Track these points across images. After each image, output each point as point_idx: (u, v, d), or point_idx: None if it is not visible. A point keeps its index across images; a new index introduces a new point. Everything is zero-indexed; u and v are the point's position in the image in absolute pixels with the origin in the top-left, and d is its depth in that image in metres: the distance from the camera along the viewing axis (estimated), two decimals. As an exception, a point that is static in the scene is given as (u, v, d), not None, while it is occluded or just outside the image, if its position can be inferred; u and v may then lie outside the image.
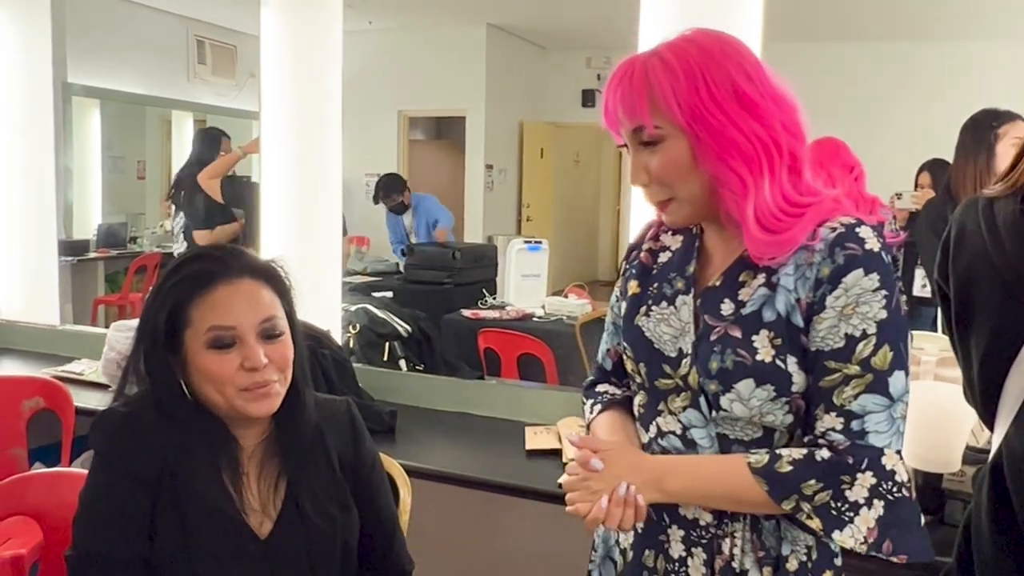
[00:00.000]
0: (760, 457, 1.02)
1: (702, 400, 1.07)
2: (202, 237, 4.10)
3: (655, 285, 1.16)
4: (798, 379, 1.02)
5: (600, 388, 1.27)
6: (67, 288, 3.60)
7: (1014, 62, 5.55)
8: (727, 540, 1.08)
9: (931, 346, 1.91)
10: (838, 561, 1.11)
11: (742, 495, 1.02)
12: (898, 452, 1.00)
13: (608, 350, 1.27)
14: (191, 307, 1.19)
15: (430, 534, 1.72)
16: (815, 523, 0.99)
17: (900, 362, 0.99)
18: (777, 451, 1.02)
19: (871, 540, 0.98)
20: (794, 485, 0.99)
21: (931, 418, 1.57)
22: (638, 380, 1.16)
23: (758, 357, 1.02)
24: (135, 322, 1.28)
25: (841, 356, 1.00)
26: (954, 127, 2.51)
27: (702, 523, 1.09)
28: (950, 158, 2.58)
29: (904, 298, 1.03)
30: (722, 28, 1.08)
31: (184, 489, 1.19)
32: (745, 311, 1.05)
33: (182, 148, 5.98)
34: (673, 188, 1.07)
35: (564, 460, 2.00)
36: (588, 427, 1.26)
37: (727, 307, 1.07)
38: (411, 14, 6.85)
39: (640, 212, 2.10)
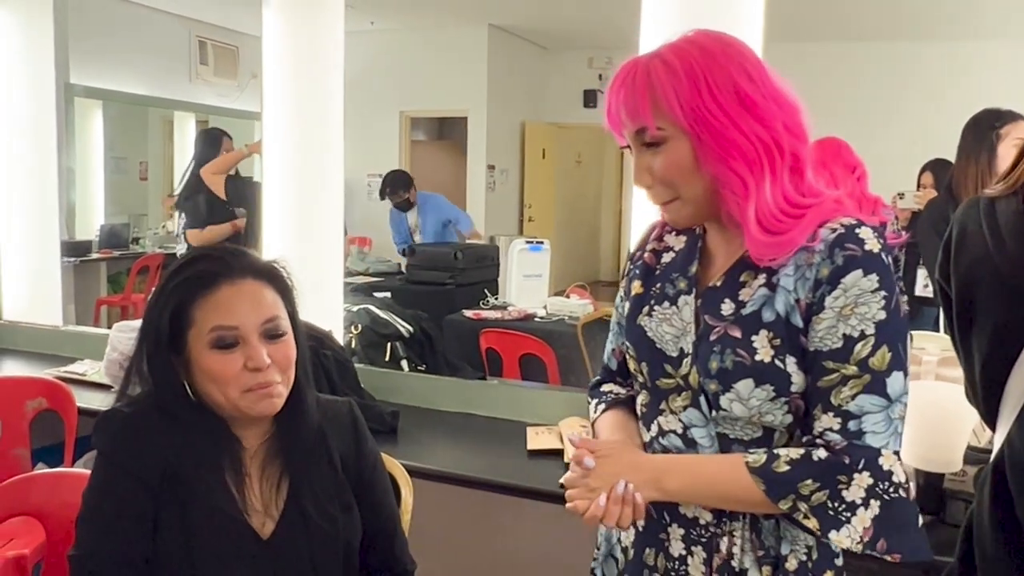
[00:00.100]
0: (758, 456, 1.02)
1: (702, 400, 1.07)
2: (193, 236, 4.06)
3: (658, 285, 1.16)
4: (797, 379, 1.02)
5: (605, 388, 1.28)
6: (70, 289, 3.60)
7: (1015, 62, 5.55)
8: (726, 539, 1.08)
9: (932, 346, 1.91)
10: (839, 561, 1.11)
11: (740, 494, 1.03)
12: (896, 453, 1.00)
13: (613, 350, 1.28)
14: (194, 307, 1.19)
15: (432, 534, 1.72)
16: (812, 523, 0.99)
17: (899, 363, 0.99)
18: (775, 451, 1.03)
19: (866, 539, 0.98)
20: (791, 485, 0.99)
21: (932, 418, 1.57)
22: (640, 380, 1.17)
23: (757, 357, 1.03)
24: (137, 323, 1.29)
25: (839, 356, 1.00)
26: (956, 127, 2.51)
27: (702, 522, 1.10)
28: (952, 158, 2.58)
29: (905, 299, 1.03)
30: (723, 28, 1.08)
31: (187, 489, 1.19)
32: (745, 311, 1.05)
33: (184, 149, 5.99)
34: (676, 189, 1.07)
35: (566, 460, 2.00)
36: (592, 426, 1.27)
37: (727, 307, 1.07)
38: (412, 14, 6.86)
39: (642, 212, 2.10)
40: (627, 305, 1.19)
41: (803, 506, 0.99)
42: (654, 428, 1.14)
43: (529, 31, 7.49)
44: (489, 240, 5.40)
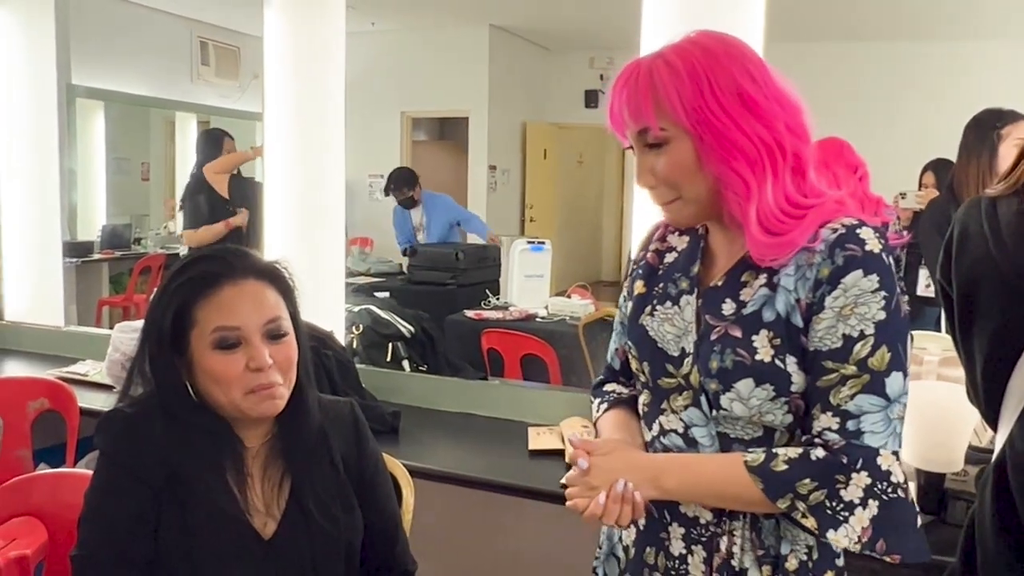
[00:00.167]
0: (756, 456, 1.02)
1: (703, 399, 1.08)
2: (188, 237, 4.06)
3: (660, 285, 1.17)
4: (797, 379, 1.03)
5: (608, 387, 1.29)
6: (71, 289, 3.61)
7: (1015, 62, 5.54)
8: (726, 538, 1.08)
9: (934, 346, 1.91)
10: (840, 562, 1.11)
11: (738, 493, 1.03)
12: (895, 453, 1.00)
13: (616, 349, 1.29)
14: (196, 308, 1.19)
15: (433, 534, 1.72)
16: (810, 522, 0.99)
17: (898, 363, 0.99)
18: (773, 450, 1.03)
19: (865, 540, 0.98)
20: (789, 484, 1.00)
21: (933, 418, 1.57)
22: (642, 379, 1.17)
23: (757, 357, 1.03)
24: (139, 323, 1.29)
25: (838, 356, 1.00)
26: (956, 127, 2.51)
27: (702, 521, 1.10)
28: (954, 158, 2.58)
29: (906, 299, 1.03)
30: (724, 28, 1.09)
31: (188, 490, 1.20)
32: (746, 311, 1.06)
33: (186, 149, 5.99)
34: (678, 189, 1.07)
35: (567, 460, 2.00)
36: (595, 425, 1.28)
37: (728, 307, 1.07)
38: (413, 15, 6.86)
39: (643, 213, 2.10)
40: (630, 305, 1.20)
41: (801, 505, 0.99)
42: (655, 427, 1.14)
43: (530, 31, 7.48)
44: (490, 240, 5.39)
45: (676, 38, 1.07)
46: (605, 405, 1.26)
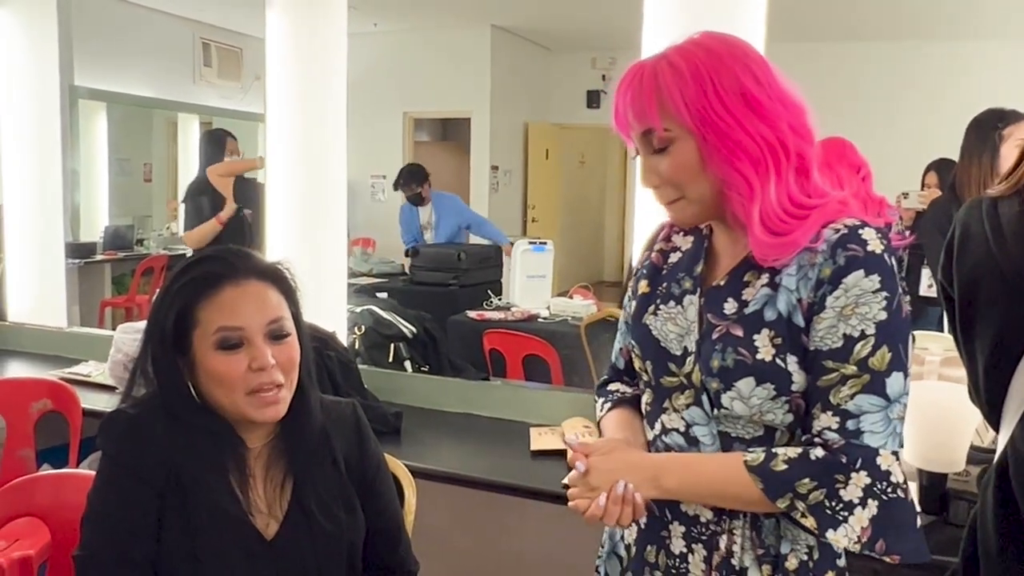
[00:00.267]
0: (756, 455, 1.03)
1: (704, 398, 1.08)
2: (186, 238, 4.07)
3: (664, 285, 1.17)
4: (798, 378, 1.03)
5: (612, 387, 1.30)
6: (74, 290, 3.62)
7: (1015, 62, 5.54)
8: (726, 537, 1.08)
9: (936, 346, 1.91)
10: (841, 562, 1.11)
11: (738, 492, 1.03)
12: (895, 453, 1.00)
13: (620, 349, 1.29)
14: (199, 308, 1.20)
15: (435, 535, 1.73)
16: (809, 521, 0.99)
17: (899, 363, 1.00)
18: (773, 450, 1.03)
19: (864, 539, 0.98)
20: (789, 483, 1.00)
21: (935, 418, 1.57)
22: (645, 378, 1.18)
23: (758, 356, 1.03)
24: (142, 324, 1.29)
25: (839, 356, 1.00)
26: (957, 127, 2.51)
27: (703, 520, 1.10)
28: (955, 158, 2.58)
29: (907, 299, 1.03)
30: (725, 28, 1.09)
31: (191, 490, 1.20)
32: (747, 310, 1.06)
33: (188, 150, 6.00)
34: (682, 189, 1.08)
35: (568, 461, 2.01)
36: (599, 424, 1.28)
37: (730, 306, 1.08)
38: (415, 16, 6.86)
39: (646, 213, 2.10)
40: (634, 304, 1.20)
41: (801, 505, 0.99)
42: (658, 426, 1.15)
43: (532, 32, 7.49)
44: (492, 241, 5.39)
45: (679, 39, 1.07)
46: (609, 404, 1.26)
